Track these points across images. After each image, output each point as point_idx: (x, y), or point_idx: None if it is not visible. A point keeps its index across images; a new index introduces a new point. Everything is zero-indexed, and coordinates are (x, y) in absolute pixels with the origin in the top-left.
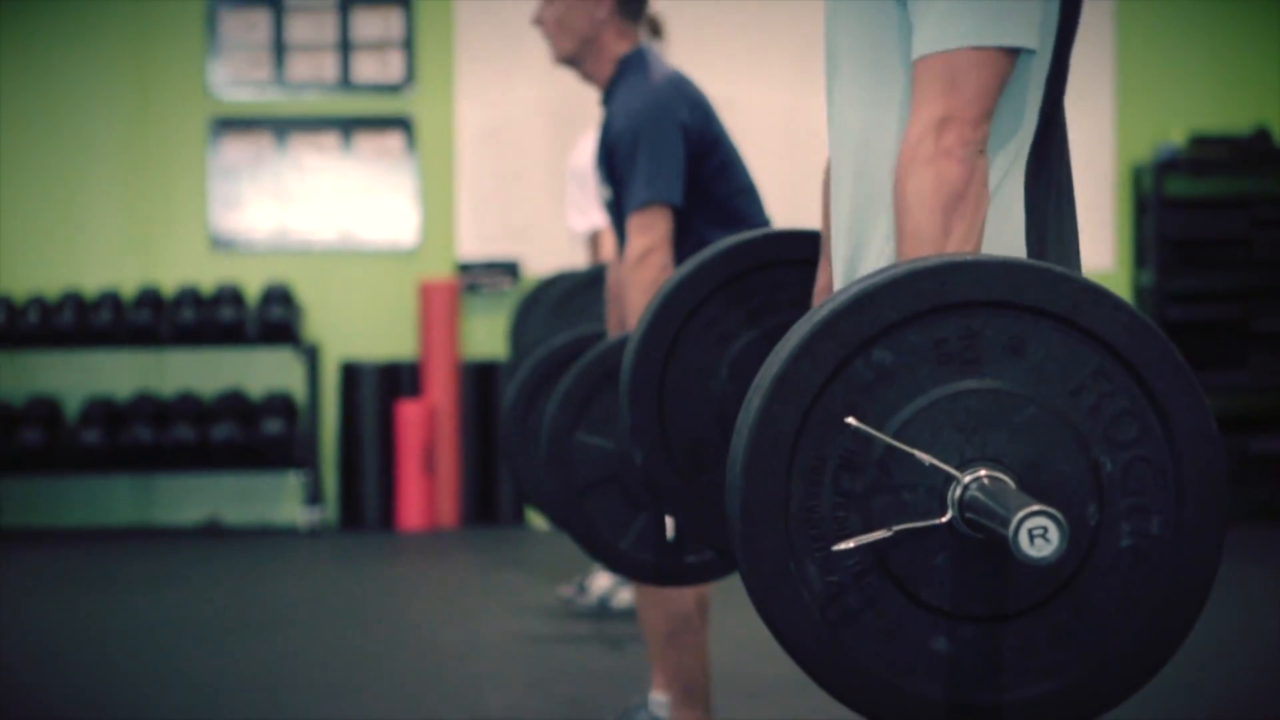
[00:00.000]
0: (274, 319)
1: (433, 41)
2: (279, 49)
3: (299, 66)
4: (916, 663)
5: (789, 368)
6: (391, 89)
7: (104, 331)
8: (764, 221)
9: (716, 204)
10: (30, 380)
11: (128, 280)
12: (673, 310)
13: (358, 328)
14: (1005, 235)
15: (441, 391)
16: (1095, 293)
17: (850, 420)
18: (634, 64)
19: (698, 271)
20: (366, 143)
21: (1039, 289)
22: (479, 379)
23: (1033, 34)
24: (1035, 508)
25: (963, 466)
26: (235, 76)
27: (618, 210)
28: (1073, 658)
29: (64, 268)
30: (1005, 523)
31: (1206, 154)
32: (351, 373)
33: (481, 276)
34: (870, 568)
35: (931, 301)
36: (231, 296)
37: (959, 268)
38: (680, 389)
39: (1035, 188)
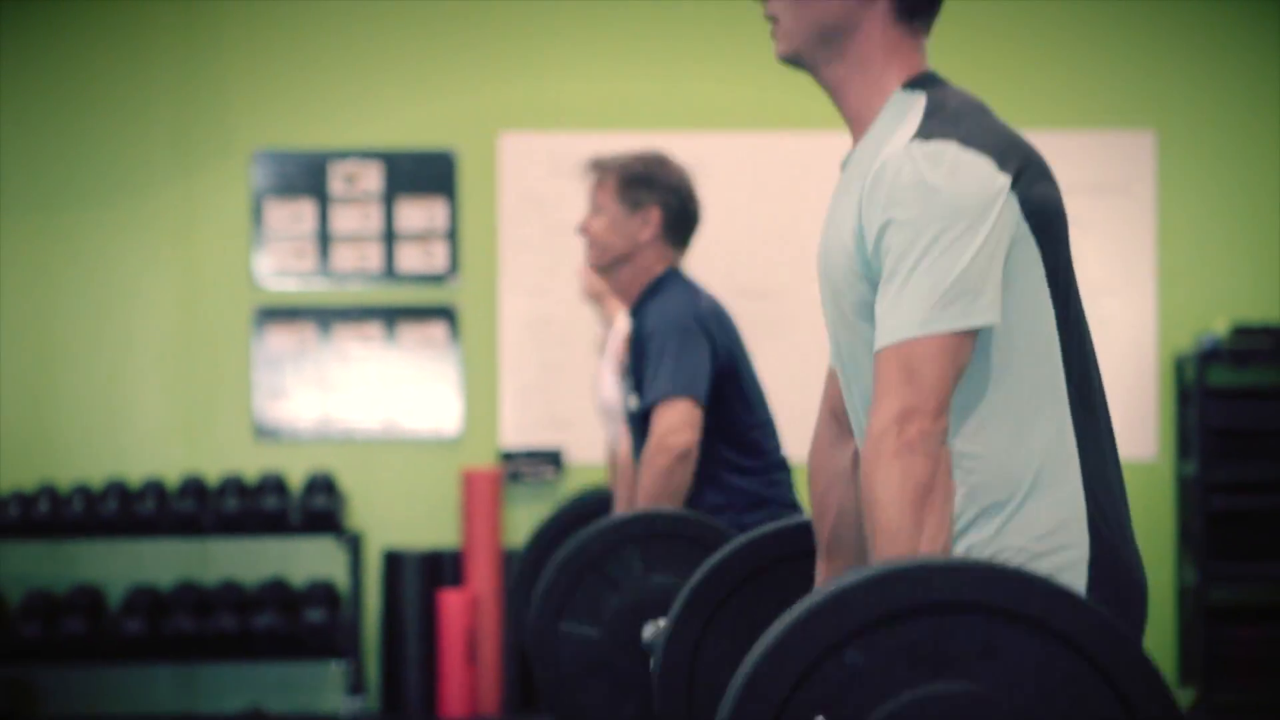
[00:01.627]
0: (317, 508)
1: (476, 232)
2: (324, 239)
3: (343, 257)
4: None
5: (761, 667)
6: (435, 279)
7: (148, 521)
8: (779, 459)
9: (737, 432)
10: (73, 569)
11: (172, 469)
12: (703, 599)
13: (400, 516)
14: (1068, 485)
15: (484, 580)
16: (1068, 597)
17: None
18: (668, 281)
19: (728, 560)
20: (410, 332)
21: (1011, 592)
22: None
23: (992, 307)
24: None
25: None
26: (280, 266)
27: (641, 420)
28: None
29: (109, 457)
30: None
31: (1249, 344)
32: (394, 561)
33: (524, 466)
34: None
35: (904, 604)
36: (275, 485)
37: (931, 570)
38: (710, 678)
39: (1081, 417)
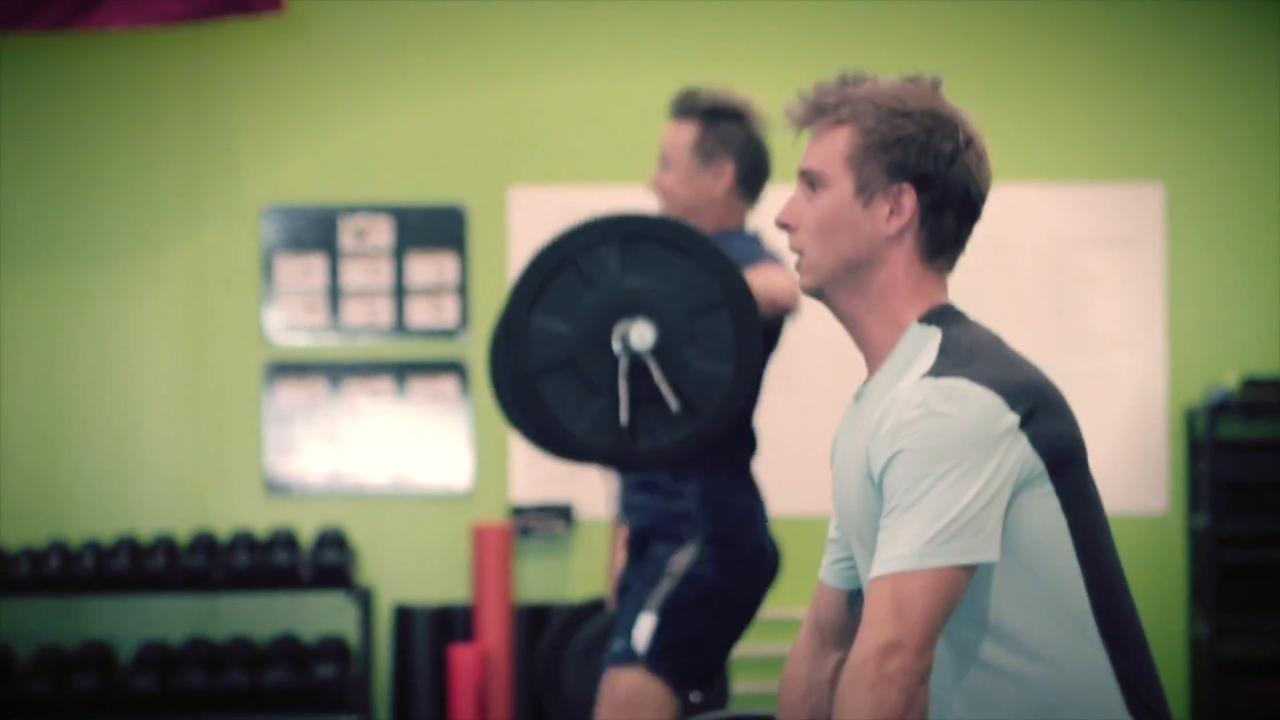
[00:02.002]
0: (327, 563)
1: (487, 286)
2: (334, 294)
3: (354, 311)
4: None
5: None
6: (446, 334)
7: (158, 576)
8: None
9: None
10: (83, 625)
11: (182, 525)
12: None
13: (411, 571)
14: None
15: (495, 635)
16: None
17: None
18: (736, 238)
19: None
20: (420, 387)
21: None
22: (532, 623)
23: (990, 544)
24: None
25: None
26: (290, 321)
27: None
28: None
29: (119, 512)
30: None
31: (1259, 397)
32: (404, 616)
33: (534, 520)
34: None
35: None
36: (285, 541)
37: None
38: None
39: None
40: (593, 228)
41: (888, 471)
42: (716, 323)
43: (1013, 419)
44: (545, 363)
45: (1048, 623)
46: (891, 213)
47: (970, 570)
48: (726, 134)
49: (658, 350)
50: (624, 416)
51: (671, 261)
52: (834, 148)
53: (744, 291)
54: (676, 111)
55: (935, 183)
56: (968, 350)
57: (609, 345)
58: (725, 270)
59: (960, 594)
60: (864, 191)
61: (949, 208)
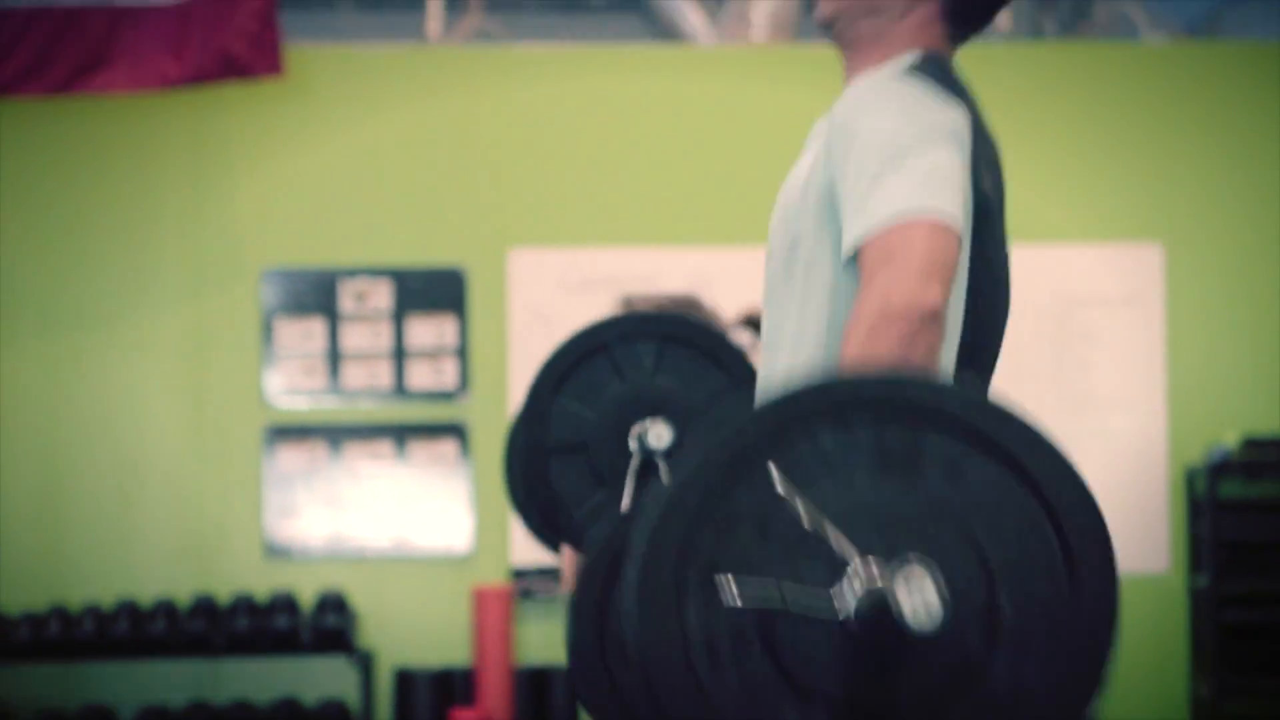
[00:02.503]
0: (328, 626)
1: (486, 349)
2: (334, 357)
3: (354, 374)
4: None
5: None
6: (445, 396)
7: (159, 641)
8: None
9: None
10: (84, 690)
11: (183, 589)
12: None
13: (411, 634)
14: None
15: (495, 699)
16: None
17: (773, 469)
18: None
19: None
20: (421, 449)
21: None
22: (533, 686)
23: (955, 212)
24: (914, 559)
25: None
26: (291, 385)
27: None
28: None
29: (119, 577)
30: (883, 597)
31: (1260, 456)
32: (405, 680)
33: (535, 583)
34: (752, 634)
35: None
36: (286, 604)
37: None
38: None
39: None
40: (633, 321)
41: (853, 141)
42: None
43: (969, 148)
44: (561, 441)
45: None
46: None
47: (956, 239)
48: None
49: (670, 454)
50: (624, 507)
51: (705, 372)
52: None
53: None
54: None
55: None
56: (942, 72)
57: (625, 439)
58: (751, 394)
59: (954, 260)
60: None
61: None
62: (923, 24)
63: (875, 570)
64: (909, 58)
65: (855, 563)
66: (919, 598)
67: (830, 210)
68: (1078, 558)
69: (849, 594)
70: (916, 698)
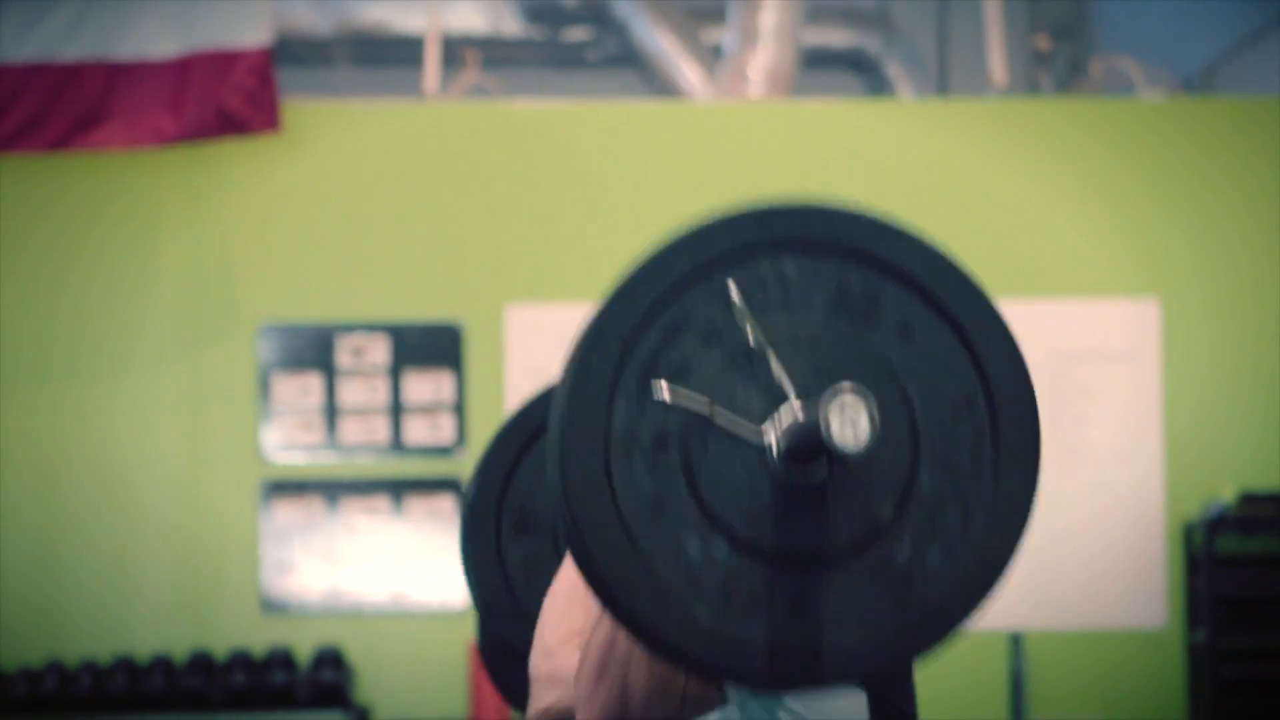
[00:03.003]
0: (325, 682)
1: (483, 404)
2: (331, 412)
3: (351, 430)
4: (711, 590)
5: (577, 364)
6: (442, 451)
7: (156, 697)
8: None
9: None
10: None
11: (180, 645)
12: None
13: (409, 689)
14: None
15: None
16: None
17: (664, 388)
18: None
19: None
20: (417, 504)
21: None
22: None
23: None
24: (846, 386)
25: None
26: (287, 440)
27: None
28: (884, 607)
29: (116, 633)
30: (815, 426)
31: (1257, 511)
32: None
33: None
34: (674, 445)
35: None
36: (283, 660)
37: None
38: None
39: None
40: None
41: None
42: None
43: None
44: (514, 520)
45: None
46: None
47: None
48: None
49: None
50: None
51: None
52: None
53: None
54: None
55: None
56: None
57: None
58: None
59: None
60: None
61: None
62: None
63: (809, 408)
64: None
65: (792, 400)
66: (850, 424)
67: None
68: (1005, 450)
69: (777, 429)
70: (815, 551)
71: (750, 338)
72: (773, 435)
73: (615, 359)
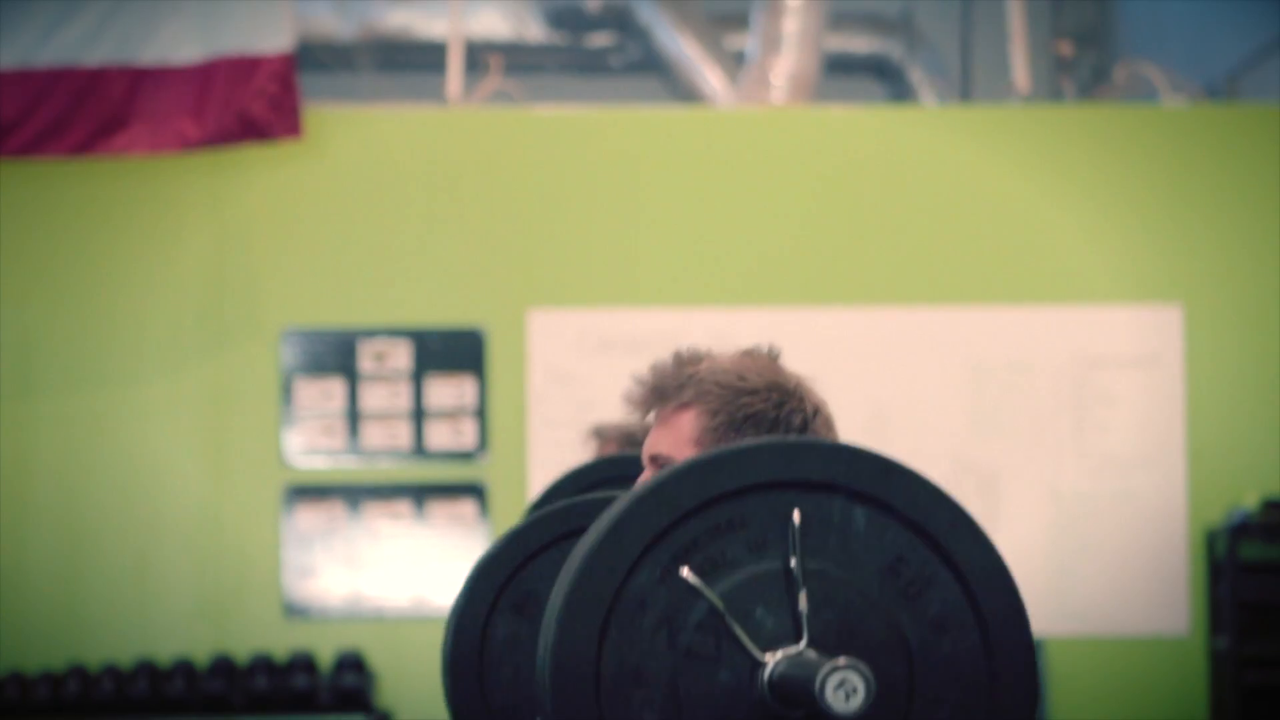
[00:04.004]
0: (347, 686)
1: (505, 409)
2: (353, 417)
3: (373, 434)
4: None
5: (624, 513)
6: (464, 456)
7: (177, 701)
8: None
9: None
10: None
11: (201, 649)
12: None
13: (430, 694)
14: None
15: None
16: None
17: (686, 572)
18: None
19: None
20: (439, 510)
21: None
22: None
23: None
24: (842, 661)
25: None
26: (309, 445)
27: None
28: None
29: (138, 637)
30: (811, 680)
31: None
32: None
33: None
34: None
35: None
36: (304, 664)
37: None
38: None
39: None
40: (555, 520)
41: None
42: None
43: None
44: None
45: None
46: None
47: None
48: None
49: None
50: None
51: None
52: (681, 432)
53: None
54: None
55: None
56: None
57: None
58: None
59: None
60: None
61: None
62: None
63: (810, 663)
64: None
65: (802, 644)
66: (845, 693)
67: None
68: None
69: (778, 661)
70: None
71: (793, 563)
72: (771, 665)
73: (661, 526)
